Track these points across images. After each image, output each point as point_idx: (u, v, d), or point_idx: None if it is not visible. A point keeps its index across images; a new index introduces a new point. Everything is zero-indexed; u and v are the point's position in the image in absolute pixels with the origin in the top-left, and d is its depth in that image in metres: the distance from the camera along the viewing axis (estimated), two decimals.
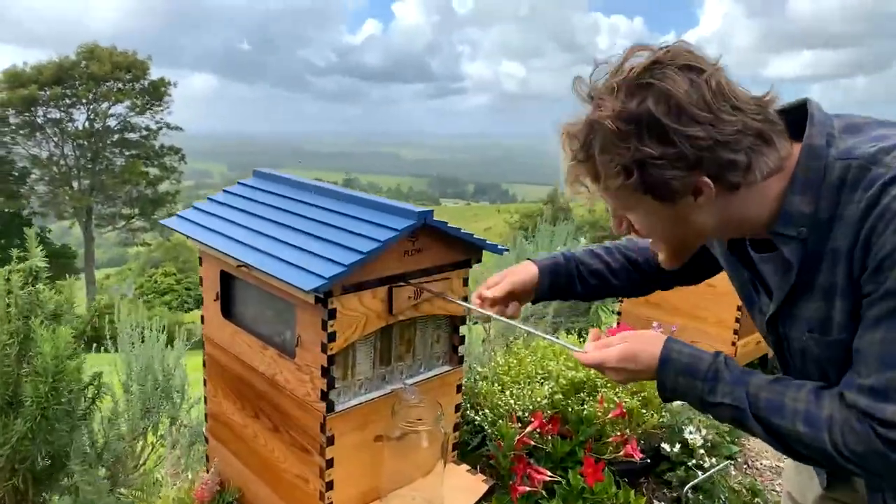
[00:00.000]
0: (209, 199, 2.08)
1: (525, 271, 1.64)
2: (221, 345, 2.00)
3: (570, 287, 1.66)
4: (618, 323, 3.91)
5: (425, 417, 1.67)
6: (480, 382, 2.71)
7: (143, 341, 2.56)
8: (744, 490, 2.69)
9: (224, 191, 2.11)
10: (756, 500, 2.67)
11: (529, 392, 2.57)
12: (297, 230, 1.70)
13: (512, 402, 2.52)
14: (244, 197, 2.02)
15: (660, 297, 3.79)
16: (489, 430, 2.37)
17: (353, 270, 1.49)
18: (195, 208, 2.04)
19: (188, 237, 1.88)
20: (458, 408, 1.98)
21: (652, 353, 1.25)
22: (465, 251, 1.83)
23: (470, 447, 2.42)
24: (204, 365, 2.11)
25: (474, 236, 1.77)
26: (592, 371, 2.46)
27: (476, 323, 3.16)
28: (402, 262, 1.68)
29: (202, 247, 1.86)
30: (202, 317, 2.05)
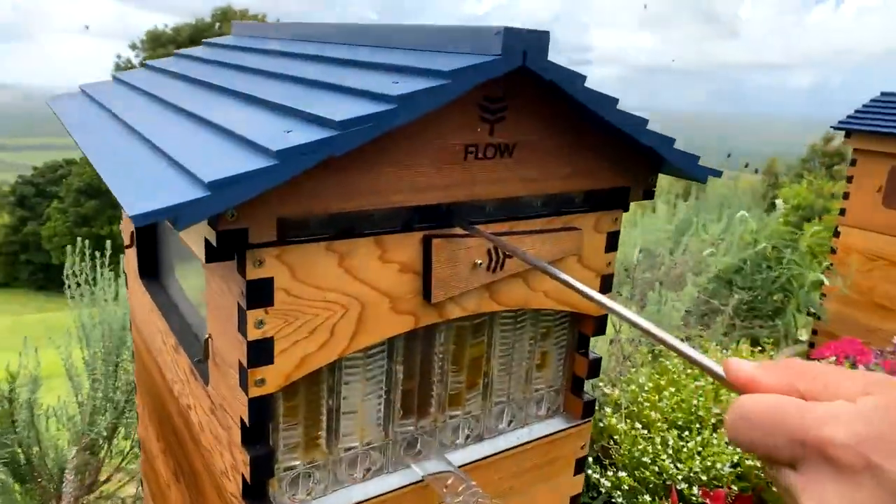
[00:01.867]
0: (146, 64, 1.17)
1: None
2: (140, 328, 1.10)
3: None
4: (814, 334, 2.66)
5: None
6: (610, 417, 1.66)
7: (93, 290, 1.73)
8: None
9: (175, 54, 1.19)
10: None
11: (698, 446, 1.50)
12: (247, 99, 0.73)
13: (668, 462, 1.45)
14: (198, 59, 1.09)
15: (890, 291, 2.51)
16: None
17: (279, 177, 0.51)
18: (115, 79, 1.14)
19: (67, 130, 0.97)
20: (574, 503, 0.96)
21: None
22: (624, 163, 0.79)
23: None
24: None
25: (650, 129, 0.72)
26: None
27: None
28: (454, 172, 0.66)
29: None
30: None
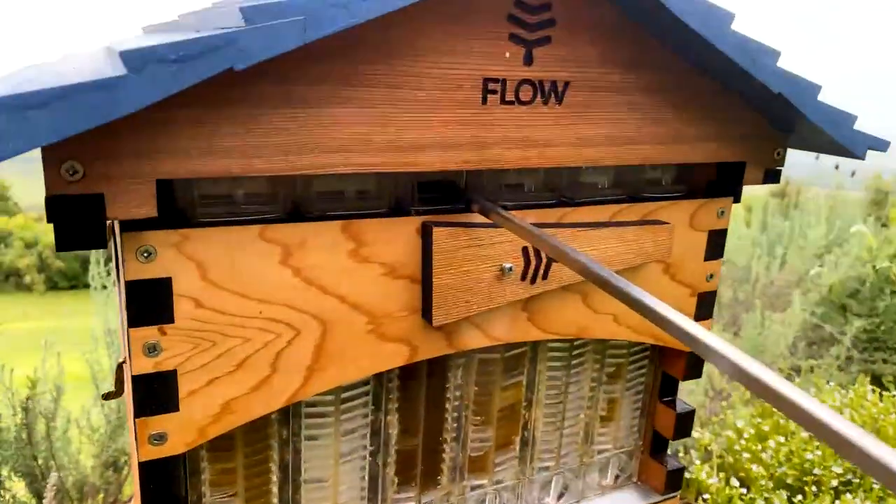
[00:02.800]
0: None
1: None
2: None
3: None
4: None
5: None
6: (698, 469, 1.35)
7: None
8: None
9: None
10: None
11: None
12: None
13: None
14: None
15: None
16: None
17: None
18: None
19: None
20: None
21: None
22: (737, 125, 0.53)
23: None
24: None
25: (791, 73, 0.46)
26: None
27: None
28: (466, 123, 0.43)
29: None
30: None
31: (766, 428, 1.44)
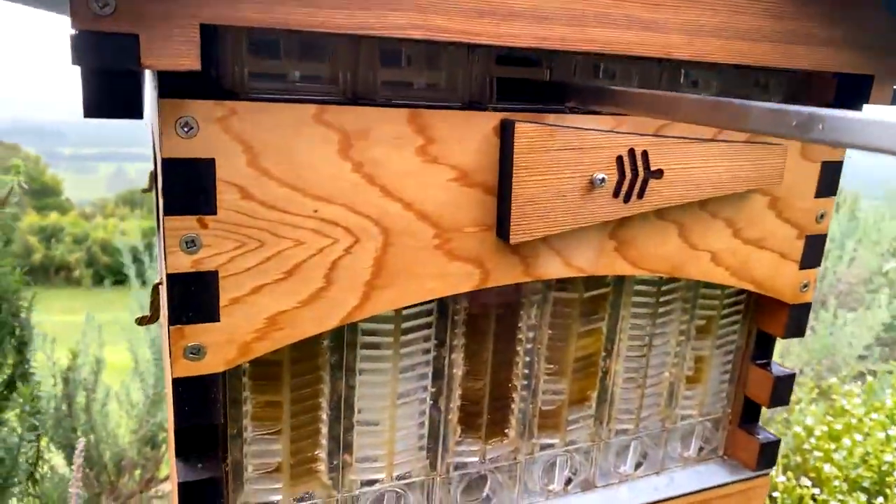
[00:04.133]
0: None
1: None
2: None
3: None
4: None
5: None
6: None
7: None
8: None
9: None
10: None
11: None
12: None
13: None
14: None
15: None
16: None
17: None
18: None
19: None
20: None
21: None
22: (864, 23, 0.45)
23: None
24: None
25: None
26: None
27: None
28: None
29: None
30: None
31: (838, 427, 1.33)
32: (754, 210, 0.48)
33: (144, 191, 0.74)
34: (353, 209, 0.36)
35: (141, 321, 0.47)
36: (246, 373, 0.39)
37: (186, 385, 0.35)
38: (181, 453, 0.37)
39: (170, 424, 0.39)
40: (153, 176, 0.64)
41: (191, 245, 0.33)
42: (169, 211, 0.32)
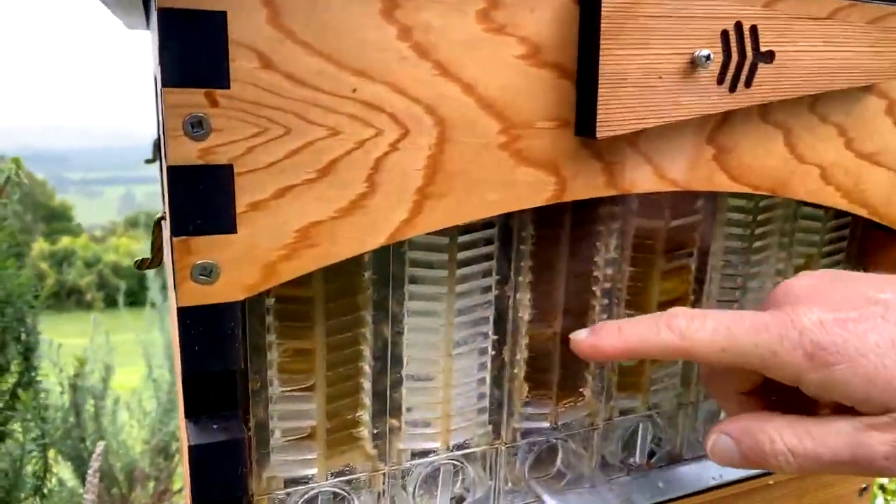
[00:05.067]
0: None
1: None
2: None
3: None
4: None
5: None
6: None
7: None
8: None
9: None
10: None
11: None
12: None
13: None
14: None
15: None
16: None
17: None
18: None
19: None
20: None
21: None
22: None
23: None
24: None
25: None
26: None
27: None
28: None
29: None
30: None
31: None
32: (868, 114, 0.40)
33: (148, 161, 0.68)
34: (401, 90, 0.28)
35: (141, 264, 0.39)
36: (270, 311, 0.32)
37: (195, 317, 0.27)
38: (191, 411, 0.29)
39: (178, 375, 0.31)
40: (157, 144, 0.57)
41: (197, 128, 0.25)
42: (169, 81, 0.25)
